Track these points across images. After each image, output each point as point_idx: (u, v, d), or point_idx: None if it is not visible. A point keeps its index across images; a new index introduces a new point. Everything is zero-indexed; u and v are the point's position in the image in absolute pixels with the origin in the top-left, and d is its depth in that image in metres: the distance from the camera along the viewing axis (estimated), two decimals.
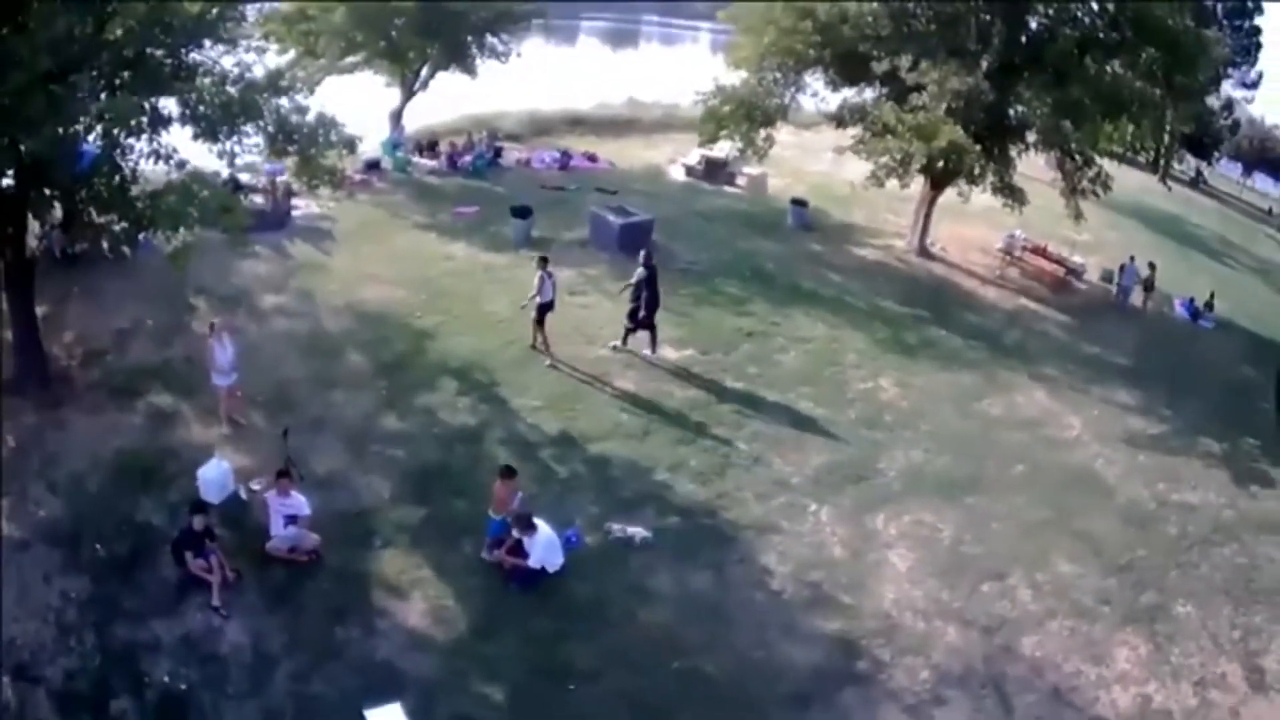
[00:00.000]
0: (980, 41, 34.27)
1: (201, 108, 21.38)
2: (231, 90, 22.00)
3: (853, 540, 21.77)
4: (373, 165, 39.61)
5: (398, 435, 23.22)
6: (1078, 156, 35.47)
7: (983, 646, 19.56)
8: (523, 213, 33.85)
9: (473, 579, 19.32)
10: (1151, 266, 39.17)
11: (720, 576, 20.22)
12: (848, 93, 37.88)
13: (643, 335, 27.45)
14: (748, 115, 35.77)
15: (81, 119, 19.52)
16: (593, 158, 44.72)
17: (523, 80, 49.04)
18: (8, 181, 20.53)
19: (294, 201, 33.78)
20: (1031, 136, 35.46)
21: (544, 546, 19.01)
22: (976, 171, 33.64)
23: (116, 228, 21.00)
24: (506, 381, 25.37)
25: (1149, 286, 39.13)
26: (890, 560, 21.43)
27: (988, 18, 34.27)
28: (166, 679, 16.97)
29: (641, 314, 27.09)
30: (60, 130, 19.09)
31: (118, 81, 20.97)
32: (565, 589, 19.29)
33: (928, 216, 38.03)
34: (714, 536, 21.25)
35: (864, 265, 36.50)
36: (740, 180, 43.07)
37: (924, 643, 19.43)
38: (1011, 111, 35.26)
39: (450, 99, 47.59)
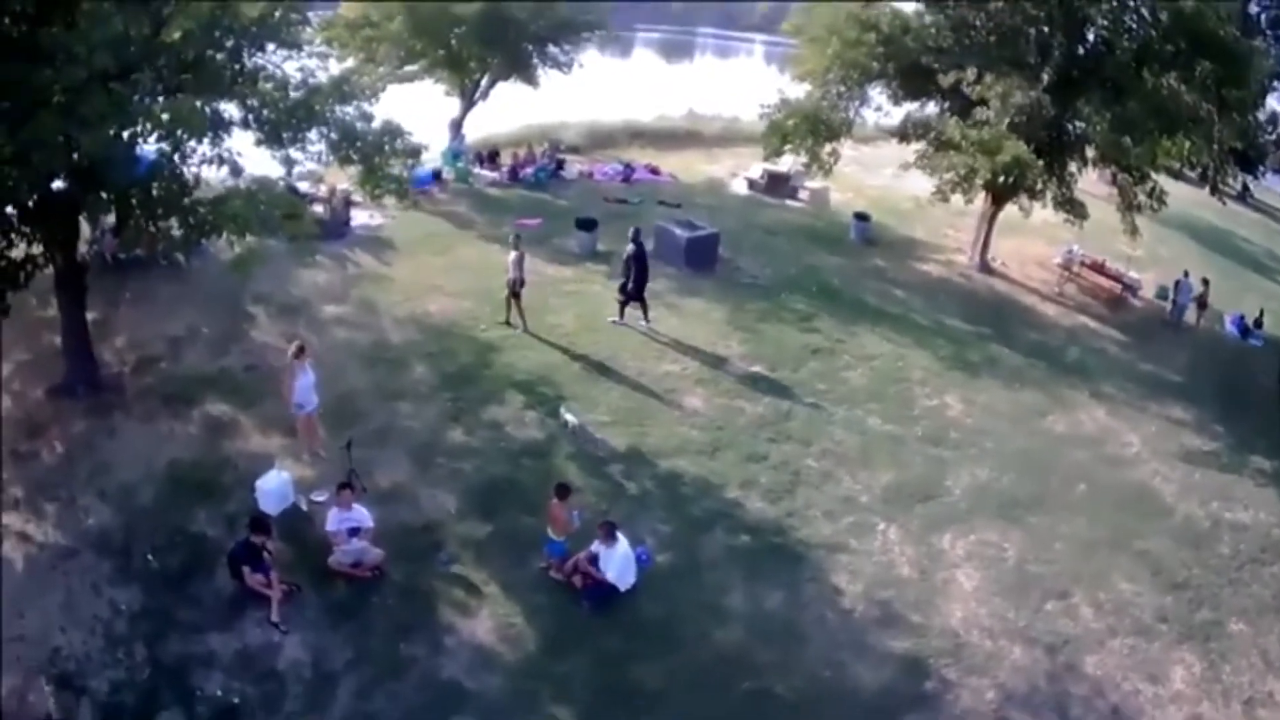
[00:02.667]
0: (1040, 54, 33.85)
1: (265, 111, 21.24)
2: (295, 95, 21.86)
3: (920, 559, 21.56)
4: (434, 175, 39.25)
5: (464, 449, 22.99)
6: (1134, 172, 34.91)
7: (1047, 665, 19.34)
8: (588, 225, 33.68)
9: (541, 596, 19.18)
10: (1205, 283, 38.51)
11: (792, 595, 20.04)
12: (910, 107, 37.45)
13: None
14: (812, 130, 35.33)
15: (141, 120, 19.05)
16: (655, 170, 44.39)
17: (582, 91, 48.58)
18: (60, 184, 20.20)
19: (353, 212, 33.52)
20: (1090, 152, 34.93)
21: (621, 562, 18.89)
22: (1039, 186, 33.23)
23: (176, 233, 20.62)
24: (574, 396, 25.11)
25: (1203, 303, 38.53)
26: (957, 579, 21.20)
27: (1047, 29, 33.90)
28: (219, 693, 16.86)
29: (629, 288, 28.04)
30: (118, 131, 18.75)
31: (177, 83, 20.66)
32: (636, 607, 19.15)
33: (989, 232, 37.57)
34: (785, 555, 21.04)
35: (927, 281, 36.13)
36: (802, 194, 42.70)
37: (990, 662, 19.22)
38: (1070, 126, 34.75)
39: (511, 109, 47.30)
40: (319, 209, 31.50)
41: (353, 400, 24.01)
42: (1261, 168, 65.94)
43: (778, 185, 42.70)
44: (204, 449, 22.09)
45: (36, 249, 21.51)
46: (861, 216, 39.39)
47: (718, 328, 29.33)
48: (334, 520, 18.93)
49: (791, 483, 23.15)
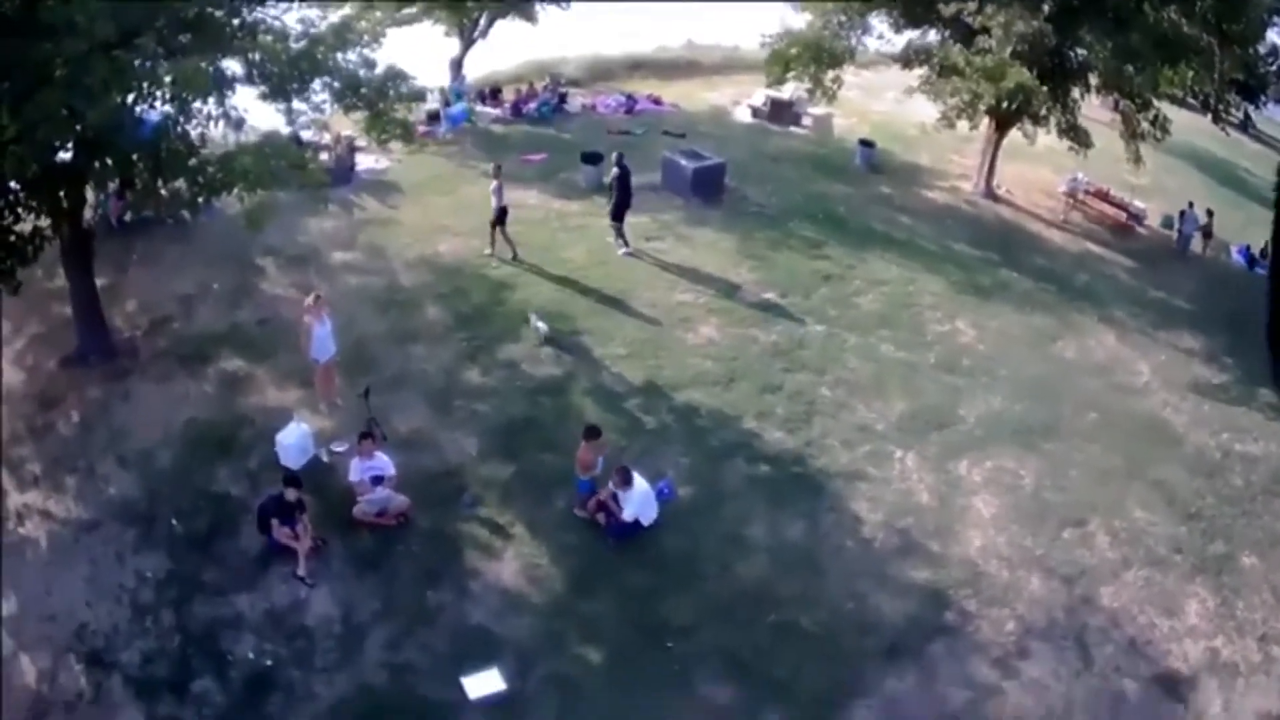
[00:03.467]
0: None
1: (268, 65, 20.80)
2: (297, 46, 21.39)
3: (939, 486, 21.37)
4: (435, 117, 38.34)
5: (481, 390, 22.66)
6: (1137, 100, 34.45)
7: (1064, 597, 19.21)
8: (593, 159, 33.07)
9: (566, 535, 19.02)
10: (1209, 214, 38.27)
11: (813, 526, 19.89)
12: (912, 34, 36.69)
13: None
14: (815, 58, 34.64)
15: (146, 86, 18.55)
16: (658, 101, 43.59)
17: (581, 25, 47.41)
18: (65, 155, 19.73)
19: (358, 157, 32.91)
20: (1094, 80, 34.53)
21: (640, 500, 18.66)
22: (1043, 113, 32.95)
23: (185, 194, 20.10)
24: (588, 330, 24.77)
25: (1208, 233, 38.34)
26: (975, 506, 21.04)
27: None
28: (251, 655, 16.76)
29: (610, 209, 28.36)
30: (122, 99, 18.30)
31: (179, 44, 20.11)
32: (659, 542, 19.00)
33: (994, 158, 37.02)
34: (805, 485, 20.85)
35: (933, 208, 35.62)
36: (806, 121, 41.99)
37: (1008, 593, 19.10)
38: (1073, 54, 34.28)
39: (510, 46, 46.15)
40: (325, 156, 30.76)
41: (367, 346, 23.58)
42: (1263, 98, 65.25)
43: (781, 112, 42.00)
44: (221, 407, 21.76)
45: (44, 221, 21.18)
46: (866, 144, 38.84)
47: (728, 256, 28.88)
48: (356, 470, 18.62)
49: (807, 412, 22.87)
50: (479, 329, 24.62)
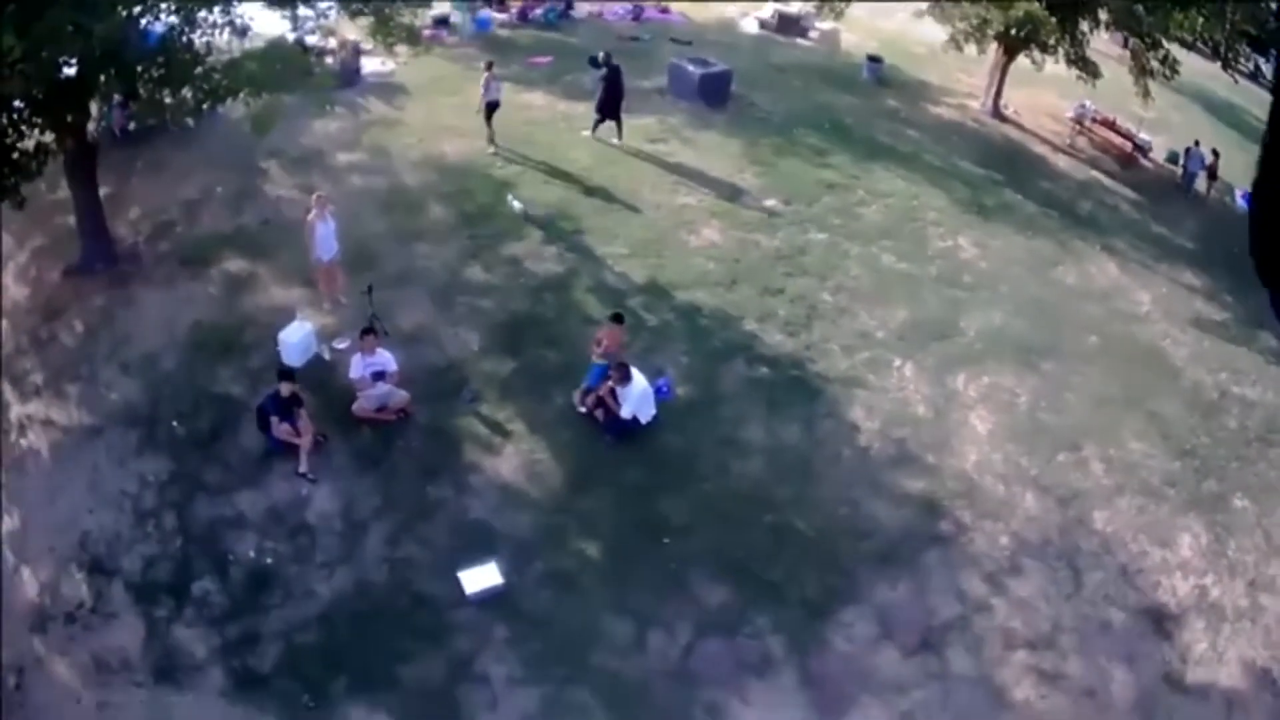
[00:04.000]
0: None
1: None
2: None
3: (935, 399, 21.11)
4: (442, 21, 37.38)
5: (484, 287, 22.29)
6: (1147, 39, 34.07)
7: (1058, 517, 19.04)
8: (597, 63, 31.99)
9: (565, 431, 18.82)
10: (1215, 154, 37.66)
11: (809, 430, 19.67)
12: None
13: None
14: None
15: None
16: (665, 9, 42.64)
17: None
18: (70, 71, 19.29)
19: (363, 60, 32.11)
20: (1103, 15, 34.02)
21: (638, 398, 18.39)
22: (1051, 42, 32.62)
23: (190, 101, 19.84)
24: (591, 229, 24.32)
25: (1213, 174, 37.69)
26: (971, 422, 20.78)
27: None
28: (252, 554, 16.68)
29: (598, 105, 28.41)
30: (129, 13, 18.06)
31: None
32: (658, 441, 18.78)
33: (1001, 79, 36.40)
34: (803, 389, 20.59)
35: (939, 123, 35.01)
36: (813, 34, 41.37)
37: (1003, 508, 18.94)
38: None
39: None
40: (330, 60, 29.96)
41: (371, 245, 23.06)
42: (1273, 50, 64.79)
43: (789, 25, 41.27)
44: (225, 309, 21.41)
45: (47, 137, 20.65)
46: (874, 58, 38.15)
47: (733, 160, 28.35)
48: (357, 366, 18.30)
49: (808, 316, 22.57)
50: (482, 227, 24.10)
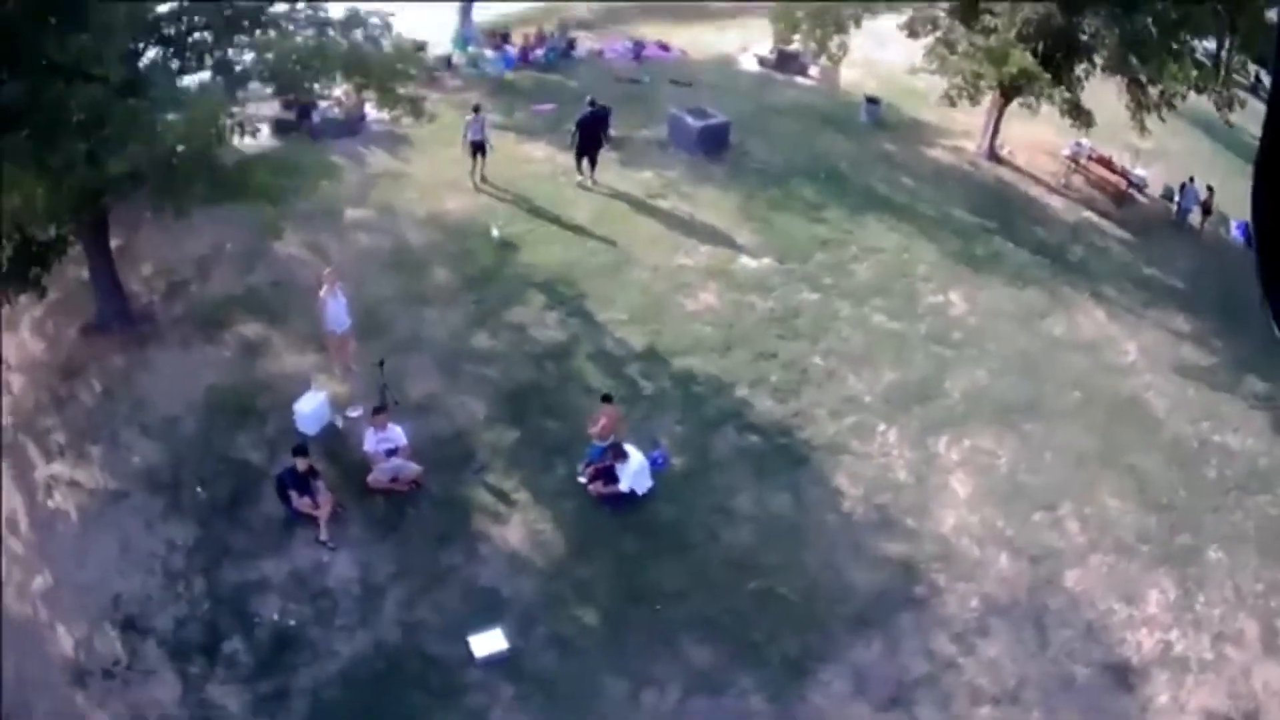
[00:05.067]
0: None
1: (281, 65, 22.34)
2: (305, 39, 22.90)
3: (917, 463, 23.36)
4: (444, 62, 39.72)
5: (489, 354, 24.54)
6: (1144, 79, 35.86)
7: (1029, 577, 21.25)
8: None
9: (567, 501, 21.09)
10: (1210, 190, 39.45)
11: (796, 498, 21.97)
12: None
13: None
14: (820, 25, 36.21)
15: (163, 132, 20.02)
16: (665, 47, 44.76)
17: None
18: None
19: (367, 107, 33.22)
20: (1099, 60, 35.75)
21: (635, 473, 20.73)
22: (1045, 93, 34.34)
23: (199, 196, 21.39)
24: (592, 293, 26.61)
25: (1207, 209, 39.51)
26: (951, 485, 23.03)
27: None
28: (277, 616, 18.94)
29: (578, 149, 30.97)
30: (146, 145, 19.73)
31: (195, 58, 21.89)
32: (653, 510, 21.09)
33: (998, 120, 38.35)
34: (790, 456, 22.88)
35: (935, 168, 37.18)
36: (812, 71, 43.27)
37: (977, 570, 21.20)
38: (1081, 32, 35.46)
39: None
40: (337, 111, 31.70)
41: (379, 309, 25.25)
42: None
43: (788, 62, 43.14)
44: (240, 373, 23.58)
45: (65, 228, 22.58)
46: (872, 100, 40.25)
47: (730, 217, 30.62)
48: (371, 441, 20.54)
49: (799, 381, 24.82)
50: (486, 291, 26.41)
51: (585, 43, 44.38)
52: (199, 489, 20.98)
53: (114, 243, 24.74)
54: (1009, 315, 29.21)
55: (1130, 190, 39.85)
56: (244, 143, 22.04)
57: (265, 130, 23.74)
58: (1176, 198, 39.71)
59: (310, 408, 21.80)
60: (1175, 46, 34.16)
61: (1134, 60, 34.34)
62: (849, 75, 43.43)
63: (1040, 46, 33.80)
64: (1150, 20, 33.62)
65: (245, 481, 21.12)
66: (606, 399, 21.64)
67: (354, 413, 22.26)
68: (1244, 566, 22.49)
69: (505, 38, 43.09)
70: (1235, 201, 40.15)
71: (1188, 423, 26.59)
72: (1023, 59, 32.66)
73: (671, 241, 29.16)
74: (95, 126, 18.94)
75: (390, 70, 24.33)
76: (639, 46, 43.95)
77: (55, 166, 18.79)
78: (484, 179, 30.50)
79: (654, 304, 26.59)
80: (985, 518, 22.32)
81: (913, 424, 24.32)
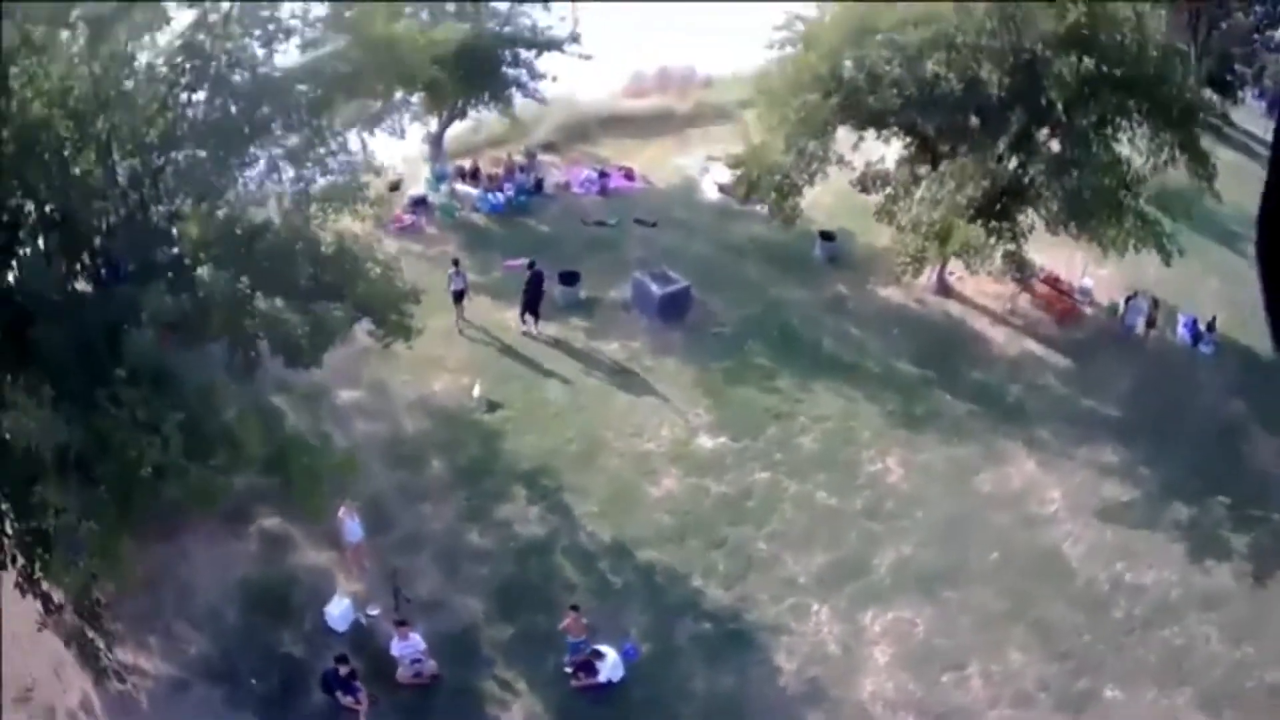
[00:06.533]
0: (1000, 116, 41.38)
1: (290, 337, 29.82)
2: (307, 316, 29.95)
3: (845, 637, 32.58)
4: (419, 202, 49.00)
5: (481, 552, 34.19)
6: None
7: None
8: (569, 279, 44.36)
9: (557, 688, 30.51)
10: (1155, 303, 46.69)
11: (742, 677, 31.18)
12: (871, 149, 46.21)
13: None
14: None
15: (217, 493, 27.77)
16: (629, 175, 53.72)
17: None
18: None
19: None
20: (1044, 214, 42.95)
21: (610, 667, 30.28)
22: (988, 254, 41.95)
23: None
24: (569, 486, 36.35)
25: (1151, 322, 46.95)
26: (874, 656, 32.15)
27: (1004, 95, 41.17)
28: None
29: (523, 305, 42.14)
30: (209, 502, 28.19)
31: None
32: (626, 693, 30.34)
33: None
34: (737, 640, 32.20)
35: (884, 310, 46.03)
36: None
37: None
38: (1025, 185, 42.58)
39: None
40: None
41: (383, 503, 34.93)
42: (1240, 92, 72.05)
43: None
44: (268, 565, 32.76)
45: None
46: (826, 236, 48.98)
47: (688, 392, 40.40)
48: (397, 648, 29.84)
49: (744, 568, 34.34)
50: (475, 486, 36.24)
51: (552, 172, 53.75)
52: (253, 681, 30.04)
53: None
54: (942, 476, 38.27)
55: (1076, 308, 47.93)
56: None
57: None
58: (1121, 311, 47.44)
59: (338, 611, 31.25)
60: (1117, 204, 40.90)
61: (1073, 223, 41.77)
62: (809, 191, 49.46)
63: (984, 200, 41.35)
64: (1093, 179, 40.44)
65: (292, 675, 30.14)
66: (574, 608, 30.65)
67: (374, 611, 31.71)
68: (1140, 700, 30.63)
69: (475, 174, 52.44)
70: (1186, 285, 48.09)
71: (1102, 566, 35.06)
72: (965, 233, 40.18)
73: (636, 423, 38.94)
74: (160, 485, 26.57)
75: (387, 301, 32.31)
76: (604, 177, 53.29)
77: (130, 516, 27.31)
78: (465, 320, 41.87)
79: (622, 493, 36.34)
80: (899, 682, 31.17)
81: (843, 601, 33.52)
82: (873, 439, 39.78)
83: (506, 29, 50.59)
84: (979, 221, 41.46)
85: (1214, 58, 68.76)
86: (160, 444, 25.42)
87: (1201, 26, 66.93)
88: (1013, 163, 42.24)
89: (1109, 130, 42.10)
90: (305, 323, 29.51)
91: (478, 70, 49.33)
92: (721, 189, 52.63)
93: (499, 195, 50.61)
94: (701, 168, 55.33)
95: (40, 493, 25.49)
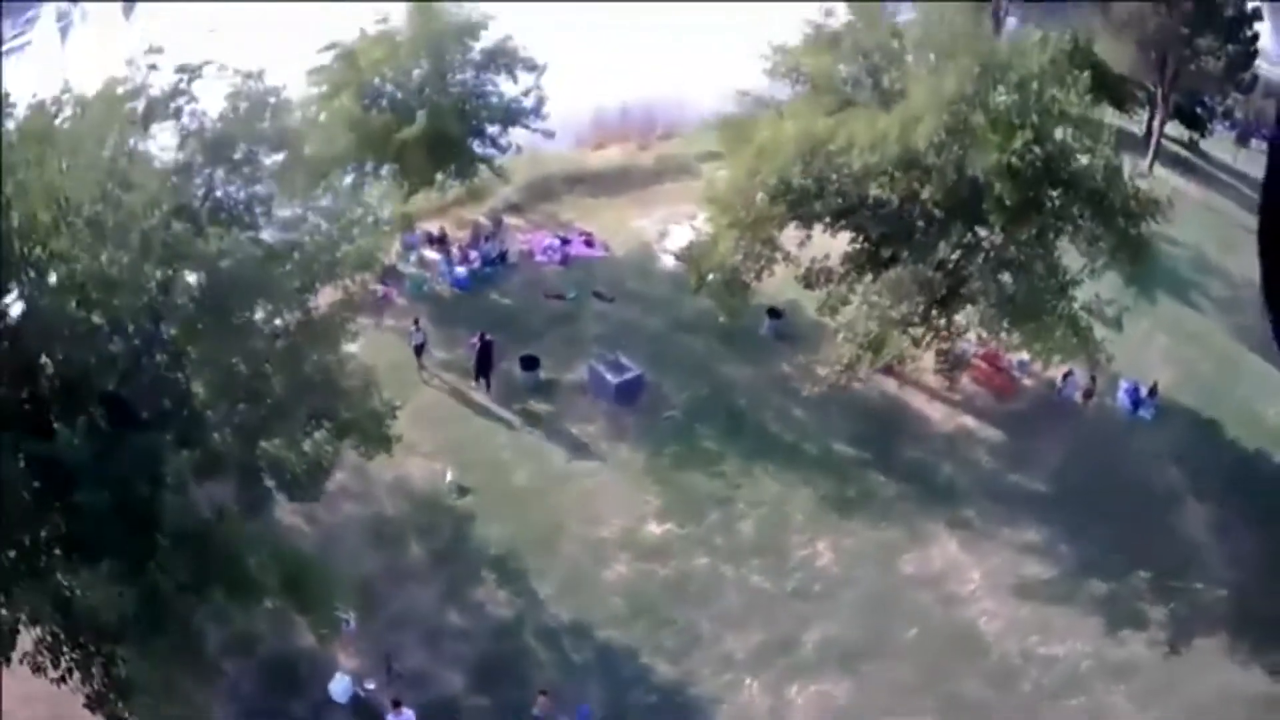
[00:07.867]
0: (942, 225, 48.57)
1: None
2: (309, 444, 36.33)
3: (773, 710, 42.81)
4: (390, 271, 58.02)
5: (459, 631, 44.09)
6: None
7: None
8: (530, 364, 54.43)
9: None
10: (1093, 379, 55.33)
11: None
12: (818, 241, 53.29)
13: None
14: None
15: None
16: (589, 242, 63.80)
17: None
18: None
19: None
20: (978, 314, 49.90)
21: None
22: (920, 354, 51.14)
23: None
24: (533, 569, 46.42)
25: (1088, 394, 56.21)
26: None
27: (943, 213, 48.46)
28: None
29: (475, 371, 52.90)
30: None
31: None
32: None
33: None
34: (681, 711, 42.61)
35: (826, 389, 53.17)
36: None
37: None
38: (963, 288, 49.55)
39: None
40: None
41: (370, 585, 44.48)
42: (1209, 126, 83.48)
43: None
44: (276, 643, 41.76)
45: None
46: (774, 313, 58.25)
47: (638, 479, 50.84)
48: None
49: (689, 644, 44.30)
50: (451, 568, 46.38)
51: (516, 238, 63.45)
52: None
53: None
54: (869, 557, 48.22)
55: (1013, 383, 57.44)
56: None
57: None
58: (1059, 385, 56.58)
59: (340, 686, 41.20)
60: (1051, 310, 47.13)
61: (1005, 327, 48.51)
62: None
63: (920, 309, 48.74)
64: (1029, 280, 47.18)
65: None
66: (543, 692, 41.12)
67: (370, 685, 41.85)
68: None
69: (442, 239, 61.96)
70: (1133, 343, 55.85)
71: (1015, 641, 44.42)
72: (897, 343, 48.51)
73: (592, 513, 49.29)
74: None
75: (371, 417, 38.48)
76: (566, 244, 62.88)
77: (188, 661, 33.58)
78: (425, 369, 53.38)
79: (580, 576, 46.36)
80: None
81: (772, 676, 43.37)
82: (805, 523, 49.95)
83: (477, 101, 60.27)
84: (915, 325, 49.59)
85: (1182, 94, 79.54)
86: (206, 603, 32.73)
87: (1169, 66, 76.18)
88: (953, 258, 48.75)
89: (1050, 235, 48.77)
90: (303, 461, 35.32)
91: (445, 149, 59.22)
92: (677, 257, 60.75)
93: (463, 270, 60.76)
94: (659, 231, 65.28)
95: (109, 651, 32.66)
